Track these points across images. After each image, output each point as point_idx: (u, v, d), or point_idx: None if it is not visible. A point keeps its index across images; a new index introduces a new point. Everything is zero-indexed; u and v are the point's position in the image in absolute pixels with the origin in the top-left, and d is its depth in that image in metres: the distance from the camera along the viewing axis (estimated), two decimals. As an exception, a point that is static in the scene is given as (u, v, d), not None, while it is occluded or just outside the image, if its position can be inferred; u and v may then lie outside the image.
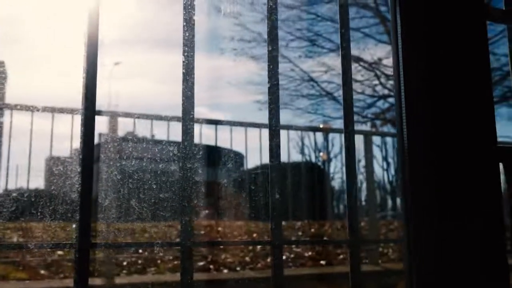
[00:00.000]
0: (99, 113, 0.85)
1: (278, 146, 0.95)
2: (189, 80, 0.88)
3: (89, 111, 0.81)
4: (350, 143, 1.00)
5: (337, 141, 5.46)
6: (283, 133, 4.36)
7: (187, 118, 0.87)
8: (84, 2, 0.85)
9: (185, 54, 0.90)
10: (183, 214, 0.82)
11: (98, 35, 0.84)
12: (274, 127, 0.96)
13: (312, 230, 4.89)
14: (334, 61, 5.89)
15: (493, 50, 6.26)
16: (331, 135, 5.43)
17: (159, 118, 2.80)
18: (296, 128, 4.24)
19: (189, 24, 0.89)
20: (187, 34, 0.90)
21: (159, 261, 3.76)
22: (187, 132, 0.86)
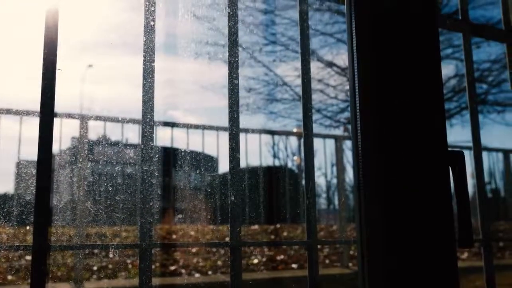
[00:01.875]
0: (56, 115, 0.84)
1: (237, 150, 0.96)
2: (147, 85, 0.89)
3: (46, 114, 0.81)
4: (308, 147, 1.02)
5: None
6: (256, 136, 4.39)
7: (145, 122, 0.87)
8: (44, 4, 0.85)
9: (144, 58, 0.91)
10: (141, 216, 0.82)
11: (57, 37, 0.84)
12: (234, 131, 0.98)
13: (285, 233, 4.92)
14: (308, 66, 5.94)
15: (461, 57, 6.40)
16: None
17: (129, 121, 2.79)
18: (269, 132, 4.26)
19: (148, 28, 0.90)
20: (147, 38, 0.91)
21: (130, 266, 3.73)
22: (145, 136, 0.87)
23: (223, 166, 4.46)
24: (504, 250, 4.63)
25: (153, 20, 0.89)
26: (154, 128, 0.91)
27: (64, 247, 0.80)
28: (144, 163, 0.82)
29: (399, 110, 0.89)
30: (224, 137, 4.24)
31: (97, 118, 2.90)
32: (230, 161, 0.96)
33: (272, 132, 4.66)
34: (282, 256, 4.15)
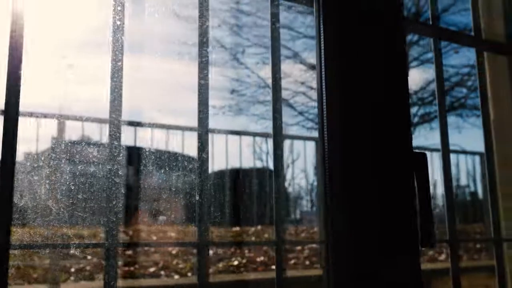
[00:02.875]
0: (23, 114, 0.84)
1: (206, 151, 0.96)
2: (113, 84, 0.89)
3: (11, 114, 0.80)
4: (277, 148, 1.03)
5: (293, 147, 5.52)
6: (236, 138, 4.39)
7: (113, 122, 0.87)
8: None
9: (112, 57, 0.90)
10: (107, 215, 0.82)
11: (23, 35, 0.84)
12: (204, 132, 0.98)
13: (266, 235, 4.92)
14: (290, 68, 5.96)
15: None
16: (287, 142, 5.49)
17: (104, 121, 2.77)
18: (249, 133, 4.27)
19: (115, 28, 0.90)
20: (113, 38, 0.91)
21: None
22: (114, 136, 0.87)
23: (212, 167, 4.44)
24: (481, 252, 4.69)
25: (120, 19, 0.89)
26: (122, 127, 0.91)
27: (24, 246, 0.80)
28: (109, 163, 0.82)
29: (364, 113, 0.90)
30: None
31: (77, 118, 2.87)
32: (198, 161, 0.96)
33: (254, 134, 4.67)
34: (262, 258, 4.15)
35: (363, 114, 0.89)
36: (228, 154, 4.08)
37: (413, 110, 6.24)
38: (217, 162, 4.09)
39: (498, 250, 1.25)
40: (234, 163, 4.28)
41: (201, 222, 0.95)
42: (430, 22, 1.21)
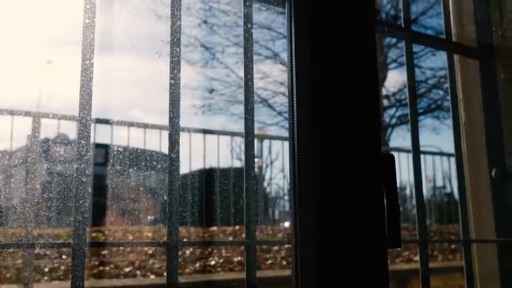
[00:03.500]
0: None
1: (176, 151, 0.96)
2: (84, 83, 0.88)
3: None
4: (249, 148, 1.03)
5: (273, 147, 5.54)
6: (215, 138, 4.39)
7: (82, 120, 0.86)
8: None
9: (82, 56, 0.89)
10: (74, 215, 0.81)
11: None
12: (174, 132, 0.97)
13: (243, 235, 4.92)
14: (270, 68, 5.98)
15: (419, 63, 6.58)
16: (266, 142, 5.51)
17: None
18: (227, 133, 4.27)
19: (84, 26, 0.89)
20: (84, 36, 0.90)
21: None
22: (82, 134, 0.86)
23: (189, 167, 4.44)
24: (456, 252, 4.77)
25: (89, 18, 0.88)
26: (93, 125, 0.90)
27: (-12, 246, 0.78)
28: (77, 161, 0.81)
29: (333, 114, 0.90)
30: (184, 137, 4.22)
31: (54, 116, 2.84)
32: (168, 161, 0.96)
33: (232, 133, 4.67)
34: (239, 258, 4.15)
35: (333, 115, 0.90)
36: (205, 153, 4.07)
37: (391, 111, 6.32)
38: (195, 161, 4.07)
39: (467, 251, 1.27)
40: (213, 163, 4.27)
41: (170, 222, 0.94)
42: (403, 25, 1.23)
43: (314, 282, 0.85)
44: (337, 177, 0.89)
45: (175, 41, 0.99)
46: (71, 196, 0.78)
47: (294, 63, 0.93)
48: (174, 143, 0.96)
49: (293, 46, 0.93)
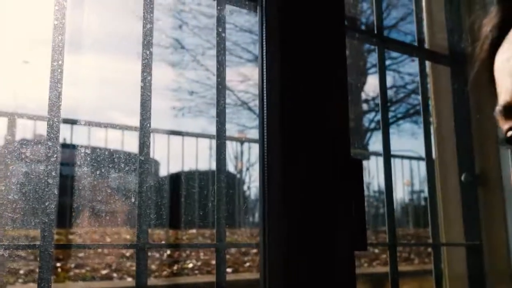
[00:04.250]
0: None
1: (146, 152, 0.96)
2: (53, 83, 0.87)
3: None
4: (220, 151, 1.03)
5: (253, 150, 5.54)
6: (194, 140, 4.37)
7: (49, 121, 0.86)
8: None
9: (52, 56, 0.89)
10: (39, 216, 0.81)
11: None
12: (145, 134, 0.97)
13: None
14: (251, 71, 5.98)
15: (398, 69, 6.66)
16: (246, 145, 5.50)
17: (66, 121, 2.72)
18: (207, 136, 4.26)
19: (57, 27, 0.89)
20: (54, 37, 0.89)
21: (59, 270, 3.62)
22: (50, 136, 0.85)
23: (167, 169, 4.42)
24: (430, 256, 4.82)
25: (58, 19, 0.88)
26: (68, 127, 0.90)
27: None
28: (45, 162, 0.81)
29: (303, 117, 0.91)
30: (163, 139, 4.21)
31: (29, 117, 2.81)
32: (139, 163, 0.96)
33: (212, 136, 4.66)
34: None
35: (302, 120, 0.91)
36: (184, 156, 4.06)
37: (371, 116, 6.37)
38: (173, 164, 4.06)
39: (436, 254, 1.29)
40: (192, 165, 4.26)
41: (139, 224, 0.94)
42: (376, 32, 1.25)
43: (280, 285, 0.86)
44: (306, 180, 0.90)
45: (145, 43, 0.99)
46: (37, 197, 0.78)
47: (264, 67, 0.94)
48: (143, 144, 0.96)
49: (264, 50, 0.94)
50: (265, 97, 0.93)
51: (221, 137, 1.04)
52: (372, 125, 6.45)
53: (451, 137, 1.43)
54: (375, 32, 1.25)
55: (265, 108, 0.93)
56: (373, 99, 6.35)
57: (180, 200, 3.53)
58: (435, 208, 1.31)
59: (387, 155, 1.22)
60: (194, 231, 4.67)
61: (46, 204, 0.78)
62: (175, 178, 4.24)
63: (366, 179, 5.79)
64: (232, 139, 5.72)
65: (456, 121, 1.41)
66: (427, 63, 1.47)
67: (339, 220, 0.91)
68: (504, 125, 0.42)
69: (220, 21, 1.06)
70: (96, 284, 3.47)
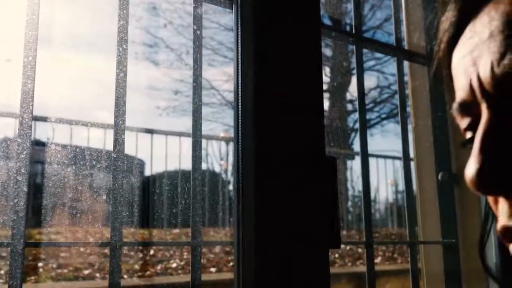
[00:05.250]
0: None
1: (120, 150, 0.95)
2: (26, 81, 0.86)
3: None
4: (196, 149, 1.03)
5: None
6: (183, 140, 4.36)
7: (21, 118, 0.85)
8: None
9: (25, 54, 0.88)
10: (8, 214, 0.80)
11: None
12: (118, 132, 0.97)
13: (205, 238, 4.91)
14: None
15: (382, 69, 6.71)
16: (232, 144, 5.50)
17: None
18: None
19: (31, 24, 0.88)
20: (26, 34, 0.88)
21: (41, 270, 3.59)
22: (21, 133, 0.84)
23: (151, 168, 4.39)
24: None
25: (31, 15, 0.87)
26: (33, 123, 0.89)
27: None
28: (12, 160, 0.80)
29: (277, 116, 0.91)
30: (147, 138, 4.18)
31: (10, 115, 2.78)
32: (114, 161, 0.95)
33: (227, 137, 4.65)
34: (202, 260, 4.13)
35: (276, 117, 0.91)
36: (167, 155, 4.04)
37: (355, 116, 6.41)
38: (157, 163, 4.04)
39: (413, 252, 1.30)
40: (175, 165, 4.24)
41: (113, 222, 0.93)
42: (354, 31, 1.25)
43: (254, 282, 0.86)
44: (280, 179, 0.90)
45: (119, 40, 0.98)
46: (5, 195, 0.77)
47: (239, 66, 0.94)
48: (117, 142, 0.95)
49: (239, 49, 0.94)
50: (240, 96, 0.93)
51: (196, 135, 1.03)
52: (357, 125, 6.49)
53: (428, 136, 1.44)
54: (353, 31, 1.25)
55: (239, 107, 0.93)
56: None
57: (164, 200, 3.52)
58: (412, 207, 1.32)
59: (365, 154, 1.23)
60: (177, 230, 4.65)
61: (15, 201, 0.77)
62: (158, 177, 4.23)
63: (352, 178, 5.81)
64: (218, 138, 5.71)
65: (433, 120, 1.42)
66: (407, 63, 1.48)
67: (313, 218, 0.91)
68: (461, 123, 0.42)
69: (196, 19, 1.06)
70: (76, 284, 3.43)
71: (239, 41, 0.94)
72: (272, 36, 0.93)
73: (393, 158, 5.29)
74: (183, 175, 4.31)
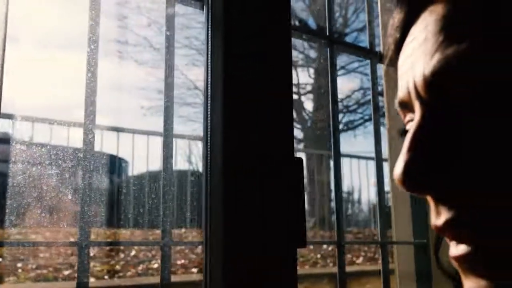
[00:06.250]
0: None
1: (89, 150, 0.95)
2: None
3: None
4: (166, 149, 1.03)
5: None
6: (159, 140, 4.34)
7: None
8: None
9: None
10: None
11: None
12: (88, 130, 0.96)
13: (190, 238, 4.90)
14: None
15: (365, 71, 6.76)
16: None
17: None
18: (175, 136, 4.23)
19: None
20: (-7, 30, 0.88)
21: (20, 270, 3.56)
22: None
23: (132, 168, 4.38)
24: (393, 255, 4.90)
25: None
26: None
27: None
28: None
29: (246, 116, 0.92)
30: (129, 138, 4.16)
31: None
32: (83, 160, 0.95)
33: (177, 136, 4.64)
34: (183, 261, 4.13)
35: (244, 116, 0.92)
36: (149, 155, 4.03)
37: (339, 117, 6.46)
38: (139, 163, 4.02)
39: (384, 252, 1.32)
40: (157, 165, 4.23)
41: (82, 222, 0.93)
42: (328, 33, 1.26)
43: (222, 283, 0.86)
44: (248, 179, 0.90)
45: (90, 40, 0.98)
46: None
47: (209, 65, 0.94)
48: (87, 141, 0.95)
49: (209, 49, 0.95)
50: (209, 96, 0.94)
51: (168, 135, 1.03)
52: (340, 127, 6.52)
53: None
54: (327, 34, 1.26)
55: (209, 107, 0.94)
56: (341, 100, 6.42)
57: (144, 200, 3.51)
58: (384, 207, 1.34)
59: (337, 155, 1.24)
60: (157, 231, 4.63)
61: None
62: (140, 178, 4.21)
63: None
64: (198, 138, 5.70)
65: (406, 122, 1.44)
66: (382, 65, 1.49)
67: (280, 217, 0.92)
68: (403, 118, 0.43)
69: (168, 20, 1.06)
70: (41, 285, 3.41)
71: (209, 41, 0.95)
72: (241, 36, 0.94)
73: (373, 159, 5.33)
74: (164, 176, 4.29)
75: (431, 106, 0.36)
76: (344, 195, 6.34)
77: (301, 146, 6.73)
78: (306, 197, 0.95)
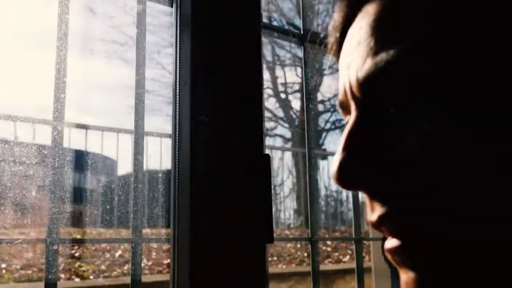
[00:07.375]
0: None
1: (57, 148, 0.95)
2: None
3: None
4: (137, 147, 1.03)
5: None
6: (150, 139, 4.33)
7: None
8: None
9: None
10: None
11: None
12: (57, 129, 0.96)
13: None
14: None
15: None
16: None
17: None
18: (159, 134, 4.22)
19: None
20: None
21: (4, 271, 3.54)
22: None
23: (116, 168, 4.36)
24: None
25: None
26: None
27: None
28: None
29: (214, 114, 0.93)
30: (122, 138, 4.14)
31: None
32: (53, 158, 0.95)
33: (162, 135, 4.63)
34: (168, 260, 4.12)
35: (213, 115, 0.92)
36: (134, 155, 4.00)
37: (326, 116, 6.49)
38: (123, 163, 4.00)
39: (358, 248, 1.33)
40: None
41: (52, 220, 0.93)
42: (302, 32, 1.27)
43: (188, 280, 0.87)
44: (215, 176, 0.91)
45: (60, 37, 0.98)
46: None
47: (178, 65, 0.95)
48: (56, 140, 0.95)
49: (178, 46, 0.95)
50: (178, 95, 0.94)
51: (138, 133, 1.04)
52: (327, 126, 6.55)
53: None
54: (301, 32, 1.27)
55: (177, 105, 0.94)
56: (329, 99, 6.44)
57: (128, 200, 3.50)
58: (357, 203, 1.35)
59: (310, 152, 1.25)
60: (146, 231, 4.63)
61: None
62: (122, 177, 4.19)
63: (324, 178, 5.87)
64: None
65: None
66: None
67: (248, 214, 0.92)
68: (345, 119, 0.44)
69: (139, 17, 1.06)
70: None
71: (178, 39, 0.95)
72: (209, 33, 0.94)
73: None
74: (151, 175, 4.28)
75: (364, 106, 0.37)
76: (334, 194, 6.36)
77: (288, 145, 6.75)
78: (293, 195, 0.96)
